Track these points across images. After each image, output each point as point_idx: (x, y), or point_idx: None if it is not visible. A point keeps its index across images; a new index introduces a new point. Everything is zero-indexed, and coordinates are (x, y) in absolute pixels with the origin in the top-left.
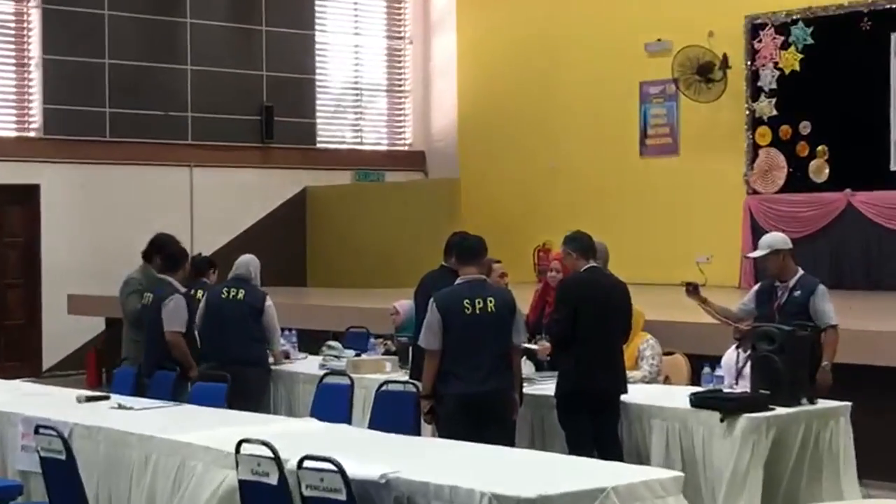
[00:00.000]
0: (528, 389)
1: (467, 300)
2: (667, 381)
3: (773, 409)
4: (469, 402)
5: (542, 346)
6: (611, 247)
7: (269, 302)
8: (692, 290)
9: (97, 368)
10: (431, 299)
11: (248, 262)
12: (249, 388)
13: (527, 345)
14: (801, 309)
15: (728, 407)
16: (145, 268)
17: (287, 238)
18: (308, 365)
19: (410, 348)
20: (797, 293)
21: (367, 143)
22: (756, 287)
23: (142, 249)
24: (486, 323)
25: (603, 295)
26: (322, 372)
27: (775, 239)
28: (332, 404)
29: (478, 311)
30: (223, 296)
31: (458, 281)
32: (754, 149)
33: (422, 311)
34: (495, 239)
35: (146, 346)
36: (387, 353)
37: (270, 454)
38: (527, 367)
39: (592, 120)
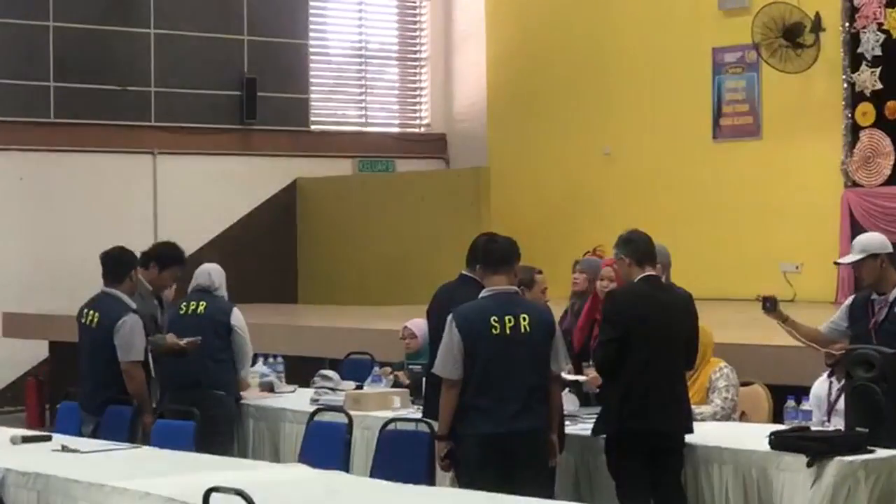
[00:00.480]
0: (570, 429)
1: (495, 317)
2: (743, 417)
3: (873, 451)
4: (496, 443)
5: (589, 375)
6: (675, 251)
7: (237, 314)
8: (770, 305)
9: (38, 403)
10: (450, 316)
11: (208, 270)
12: (213, 420)
13: (569, 375)
14: None
15: (817, 448)
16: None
17: (274, 243)
18: (297, 399)
19: (424, 379)
20: None
21: (374, 125)
22: (849, 301)
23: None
24: (519, 346)
25: (661, 311)
26: (314, 408)
27: (872, 241)
28: (325, 447)
29: (508, 332)
30: (181, 311)
31: (483, 293)
32: (854, 130)
33: (437, 331)
34: (532, 243)
35: (87, 376)
36: (395, 385)
37: None
38: (569, 402)
39: (654, 95)
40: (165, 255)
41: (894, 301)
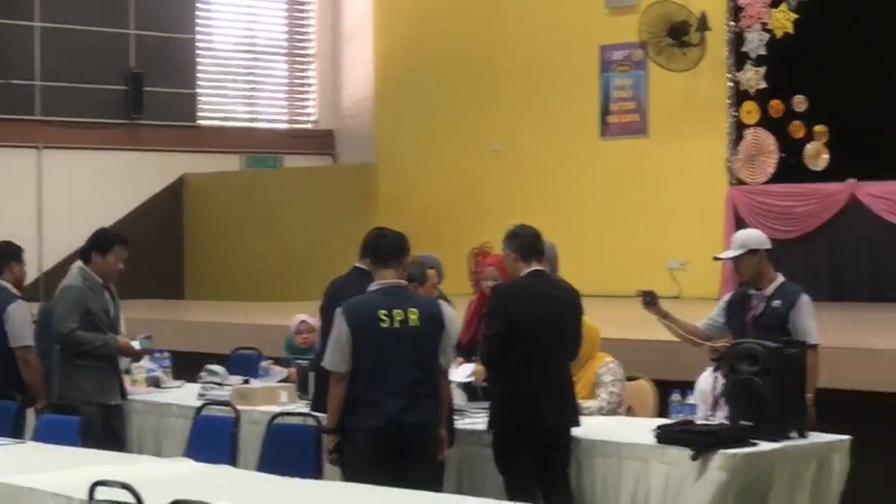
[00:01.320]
0: (459, 423)
1: (384, 311)
2: (629, 412)
3: (756, 444)
4: (385, 437)
5: (476, 370)
6: (563, 248)
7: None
8: (649, 300)
9: None
10: (339, 309)
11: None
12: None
13: (459, 377)
14: (780, 323)
15: (702, 442)
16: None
17: (160, 239)
18: (183, 394)
19: (312, 374)
20: (776, 303)
21: (262, 120)
22: (726, 297)
23: None
24: (407, 339)
25: (546, 305)
26: (200, 402)
27: (750, 237)
28: (212, 441)
29: (396, 325)
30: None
31: (371, 287)
32: (739, 129)
33: (330, 326)
34: (421, 239)
35: None
36: (286, 381)
37: (132, 500)
38: (457, 396)
39: (543, 92)
40: (101, 240)
41: (771, 296)
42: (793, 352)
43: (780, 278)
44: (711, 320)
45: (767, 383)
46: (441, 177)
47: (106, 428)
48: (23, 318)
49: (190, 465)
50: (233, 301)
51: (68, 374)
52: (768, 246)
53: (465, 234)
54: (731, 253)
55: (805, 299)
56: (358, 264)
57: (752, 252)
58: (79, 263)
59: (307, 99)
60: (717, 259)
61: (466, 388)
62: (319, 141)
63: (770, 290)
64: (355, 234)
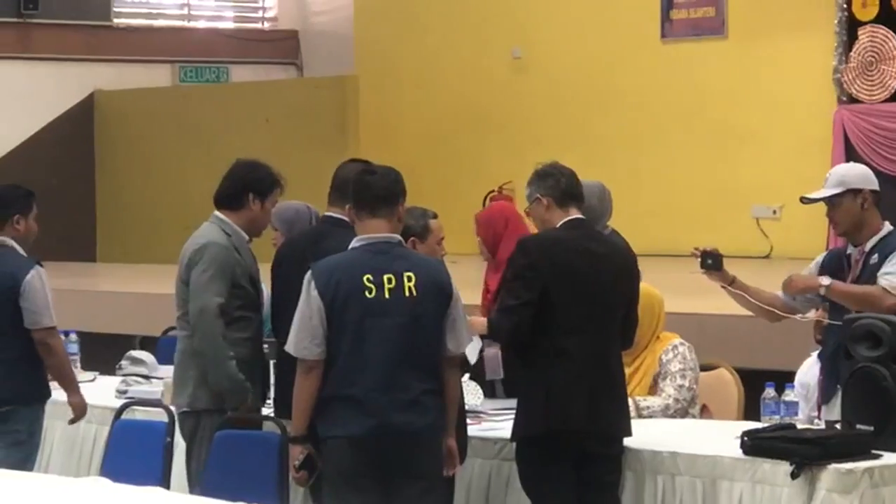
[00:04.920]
0: (474, 429)
1: (369, 276)
2: (705, 412)
3: (879, 456)
4: (371, 448)
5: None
6: (611, 189)
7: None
8: (711, 263)
9: None
10: (308, 274)
11: None
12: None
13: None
14: None
15: (805, 453)
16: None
17: (64, 177)
18: (98, 391)
19: (272, 363)
20: (874, 259)
21: (201, 18)
22: (819, 258)
23: None
24: (403, 314)
25: (590, 267)
26: (121, 402)
27: (850, 172)
28: (136, 454)
29: (387, 295)
30: None
31: (353, 243)
32: (851, 27)
33: (285, 296)
34: (416, 179)
35: None
36: None
37: None
38: (471, 393)
39: None
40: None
41: (870, 251)
42: None
43: (888, 228)
44: None
45: (894, 373)
46: (444, 94)
47: None
48: (44, 291)
49: (107, 486)
50: (161, 264)
51: None
52: (874, 186)
53: (476, 171)
54: (824, 192)
55: None
56: (329, 212)
57: (854, 193)
58: (215, 212)
59: None
60: (805, 201)
61: (482, 381)
62: (279, 46)
63: (870, 244)
64: (327, 171)
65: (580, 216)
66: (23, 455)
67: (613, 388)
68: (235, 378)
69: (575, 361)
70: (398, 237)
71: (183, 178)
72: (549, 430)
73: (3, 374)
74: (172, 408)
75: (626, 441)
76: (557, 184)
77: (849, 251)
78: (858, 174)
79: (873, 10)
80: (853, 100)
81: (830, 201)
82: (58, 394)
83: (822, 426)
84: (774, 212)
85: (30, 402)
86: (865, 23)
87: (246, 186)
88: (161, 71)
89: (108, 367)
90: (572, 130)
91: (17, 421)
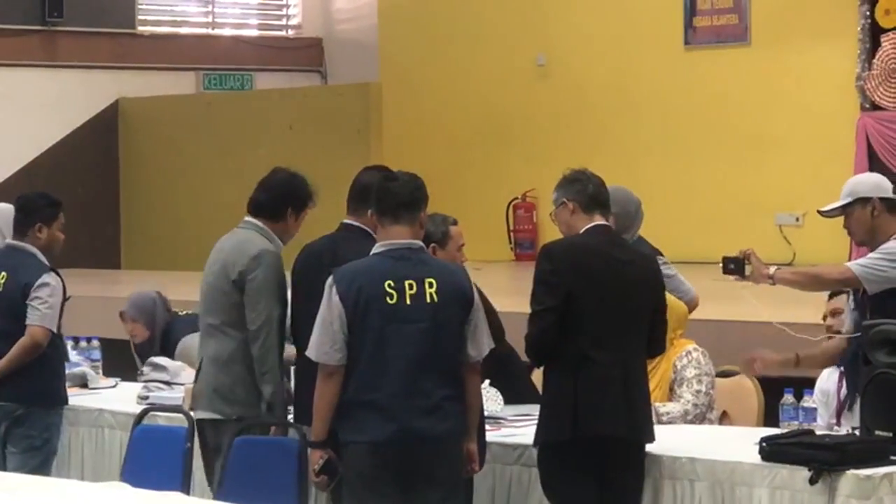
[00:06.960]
0: (493, 435)
1: (391, 282)
2: (724, 418)
3: None
4: (391, 453)
5: None
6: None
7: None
8: (734, 267)
9: None
10: (330, 279)
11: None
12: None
13: None
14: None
15: (824, 459)
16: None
17: (88, 185)
18: (119, 397)
19: (293, 369)
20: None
21: (225, 26)
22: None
23: None
24: (424, 320)
25: (614, 274)
26: (142, 407)
27: (860, 181)
28: (157, 460)
29: (408, 301)
30: None
31: (375, 249)
32: (874, 34)
33: (303, 303)
34: (438, 186)
35: None
36: None
37: None
38: (491, 400)
39: None
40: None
41: None
42: None
43: None
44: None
45: None
46: (467, 101)
47: None
48: (54, 297)
49: (127, 492)
50: (184, 271)
51: None
52: (885, 194)
53: (499, 179)
54: (834, 204)
55: None
56: (348, 220)
57: (863, 201)
58: (251, 219)
59: None
60: (822, 214)
61: (502, 387)
62: (303, 53)
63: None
64: (350, 178)
65: (605, 223)
66: (38, 461)
67: (639, 394)
68: (289, 391)
69: (601, 367)
70: (420, 243)
71: (207, 186)
72: (576, 435)
73: (17, 377)
74: (192, 414)
75: (647, 447)
76: (584, 189)
77: None
78: (868, 183)
79: None
80: (876, 107)
81: (843, 212)
82: (77, 400)
83: (842, 432)
84: (797, 219)
85: (44, 405)
86: (888, 30)
87: (286, 199)
88: (185, 78)
89: (130, 374)
90: (596, 138)
91: (32, 425)
